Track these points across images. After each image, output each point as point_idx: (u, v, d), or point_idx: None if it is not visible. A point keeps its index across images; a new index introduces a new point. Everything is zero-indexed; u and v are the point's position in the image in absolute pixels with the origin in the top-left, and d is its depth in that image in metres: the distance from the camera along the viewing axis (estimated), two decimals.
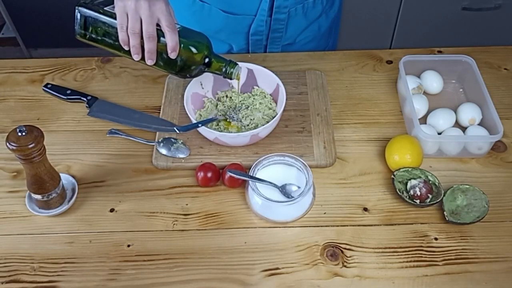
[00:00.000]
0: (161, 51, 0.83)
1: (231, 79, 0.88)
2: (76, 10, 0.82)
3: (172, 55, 0.82)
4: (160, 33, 0.81)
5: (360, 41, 1.96)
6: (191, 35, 0.85)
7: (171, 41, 0.80)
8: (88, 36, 0.84)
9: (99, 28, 0.83)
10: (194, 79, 0.96)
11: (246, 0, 1.06)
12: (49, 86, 1.06)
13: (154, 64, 0.84)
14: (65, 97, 1.04)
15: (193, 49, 0.84)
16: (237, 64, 0.88)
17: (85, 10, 0.82)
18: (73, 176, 0.90)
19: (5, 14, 2.20)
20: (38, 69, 1.12)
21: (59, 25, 2.22)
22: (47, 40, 2.32)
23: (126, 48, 0.82)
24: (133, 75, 1.10)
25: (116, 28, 0.81)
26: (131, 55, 0.83)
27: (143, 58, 0.83)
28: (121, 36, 0.81)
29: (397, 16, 1.90)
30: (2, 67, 1.12)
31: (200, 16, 1.10)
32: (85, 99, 1.02)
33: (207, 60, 0.85)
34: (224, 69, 0.87)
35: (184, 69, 0.85)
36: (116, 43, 0.83)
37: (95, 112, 1.01)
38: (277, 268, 0.79)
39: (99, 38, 0.84)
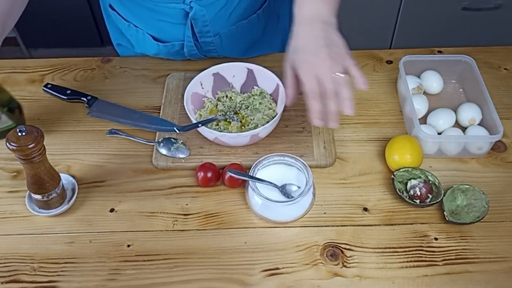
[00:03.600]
0: None
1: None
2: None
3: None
4: None
5: (360, 41, 1.96)
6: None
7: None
8: None
9: None
10: (194, 79, 0.96)
11: (171, 28, 1.04)
12: (49, 86, 1.05)
13: None
14: (65, 97, 1.03)
15: None
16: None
17: None
18: (73, 176, 0.90)
19: None
20: (38, 69, 1.12)
21: (59, 25, 2.23)
22: (47, 40, 2.32)
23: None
24: (133, 75, 1.10)
25: None
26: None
27: None
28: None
29: (397, 16, 1.90)
30: (2, 67, 1.12)
31: (136, 40, 1.10)
32: (85, 99, 1.02)
33: None
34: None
35: None
36: None
37: (95, 112, 1.01)
38: (277, 268, 0.79)
39: None
